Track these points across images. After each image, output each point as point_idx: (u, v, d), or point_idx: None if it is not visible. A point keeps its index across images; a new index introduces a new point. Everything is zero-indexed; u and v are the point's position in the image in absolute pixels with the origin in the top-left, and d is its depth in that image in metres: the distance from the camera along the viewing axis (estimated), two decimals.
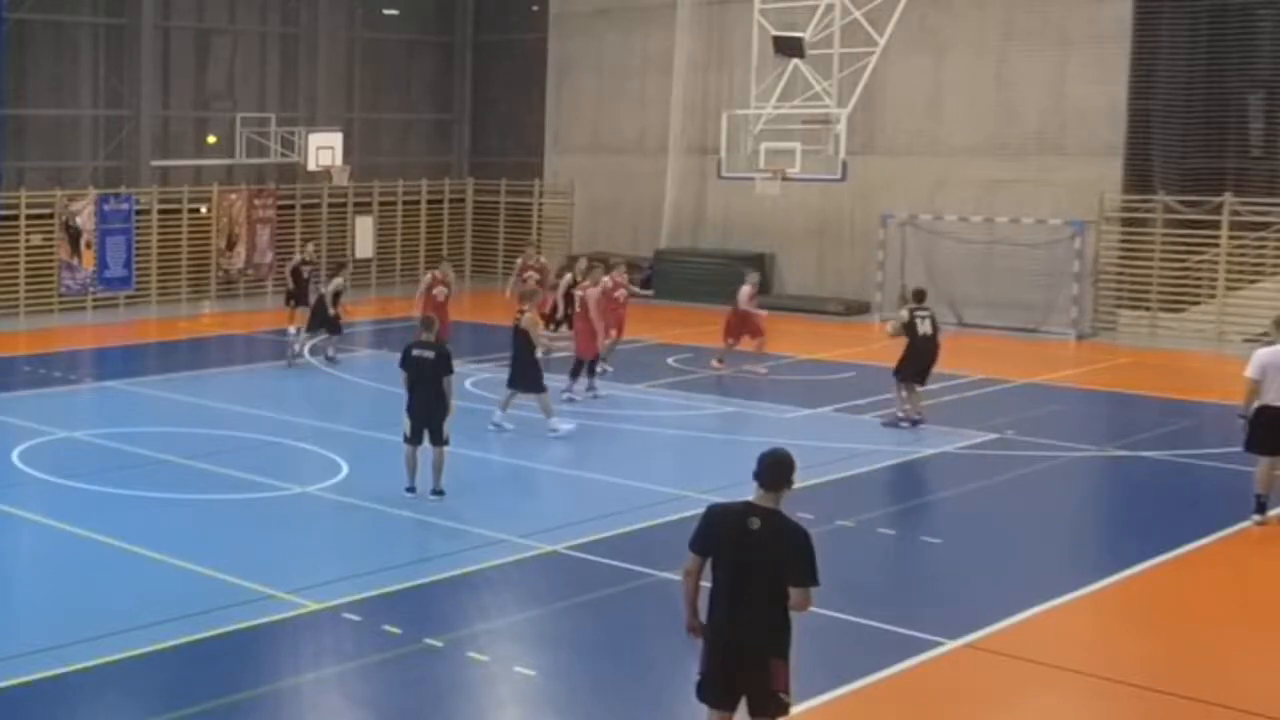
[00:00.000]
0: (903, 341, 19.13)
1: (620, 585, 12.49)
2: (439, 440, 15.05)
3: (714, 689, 7.91)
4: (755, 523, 7.74)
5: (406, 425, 15.15)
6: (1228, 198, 26.81)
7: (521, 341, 18.49)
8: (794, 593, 7.72)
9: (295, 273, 26.10)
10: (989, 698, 10.10)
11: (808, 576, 7.71)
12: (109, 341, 27.24)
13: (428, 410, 15.05)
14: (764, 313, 23.64)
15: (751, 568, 7.73)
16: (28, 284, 30.05)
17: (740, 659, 7.81)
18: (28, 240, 30.05)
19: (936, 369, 19.51)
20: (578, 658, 10.95)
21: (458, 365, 22.86)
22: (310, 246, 27.46)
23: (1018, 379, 22.84)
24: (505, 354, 24.17)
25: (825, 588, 12.44)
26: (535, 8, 37.35)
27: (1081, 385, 22.82)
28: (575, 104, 36.03)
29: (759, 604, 7.75)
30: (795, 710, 9.77)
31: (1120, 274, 28.49)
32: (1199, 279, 27.68)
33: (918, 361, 19.03)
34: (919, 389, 19.12)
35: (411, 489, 15.06)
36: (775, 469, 7.86)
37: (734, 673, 7.83)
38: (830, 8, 26.36)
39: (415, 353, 15.30)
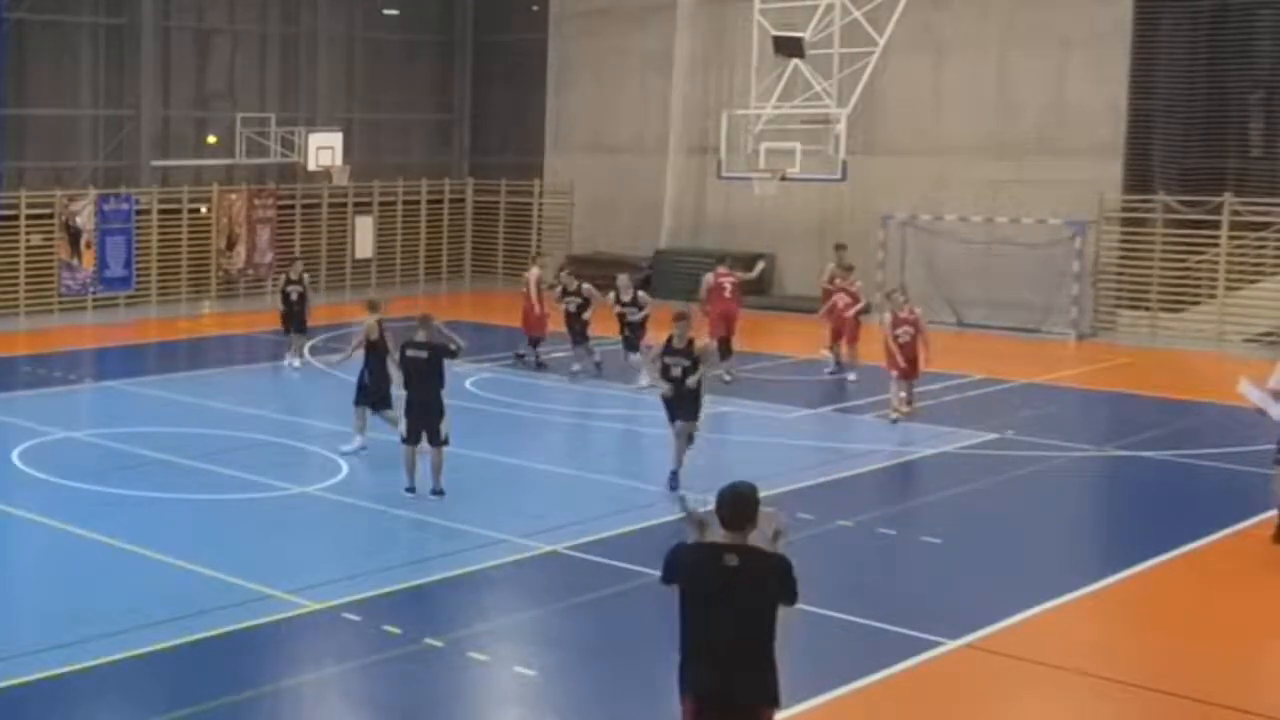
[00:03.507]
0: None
1: (620, 585, 12.48)
2: (437, 441, 15.03)
3: None
4: (733, 559, 7.16)
5: (403, 425, 15.13)
6: (1228, 198, 26.81)
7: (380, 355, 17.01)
8: (784, 611, 7.27)
9: (284, 295, 24.26)
10: (989, 698, 10.10)
11: (792, 597, 7.25)
12: (109, 341, 27.22)
13: (425, 410, 15.03)
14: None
15: (733, 605, 7.16)
16: (28, 284, 30.04)
17: (728, 705, 7.30)
18: (28, 240, 30.05)
19: (933, 368, 19.52)
20: (578, 658, 10.96)
21: (460, 366, 22.85)
22: (298, 265, 25.20)
23: (1018, 379, 22.83)
24: (505, 354, 24.32)
25: (826, 588, 12.47)
26: (535, 8, 37.33)
27: (1081, 385, 22.83)
28: (575, 104, 36.02)
29: (742, 643, 7.19)
30: (796, 710, 9.79)
31: (1120, 274, 28.48)
32: (1199, 279, 27.67)
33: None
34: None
35: (411, 489, 15.06)
36: (737, 507, 7.20)
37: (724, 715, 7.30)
38: (830, 8, 26.33)
39: (409, 353, 15.25)
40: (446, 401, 15.25)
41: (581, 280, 23.41)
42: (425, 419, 15.02)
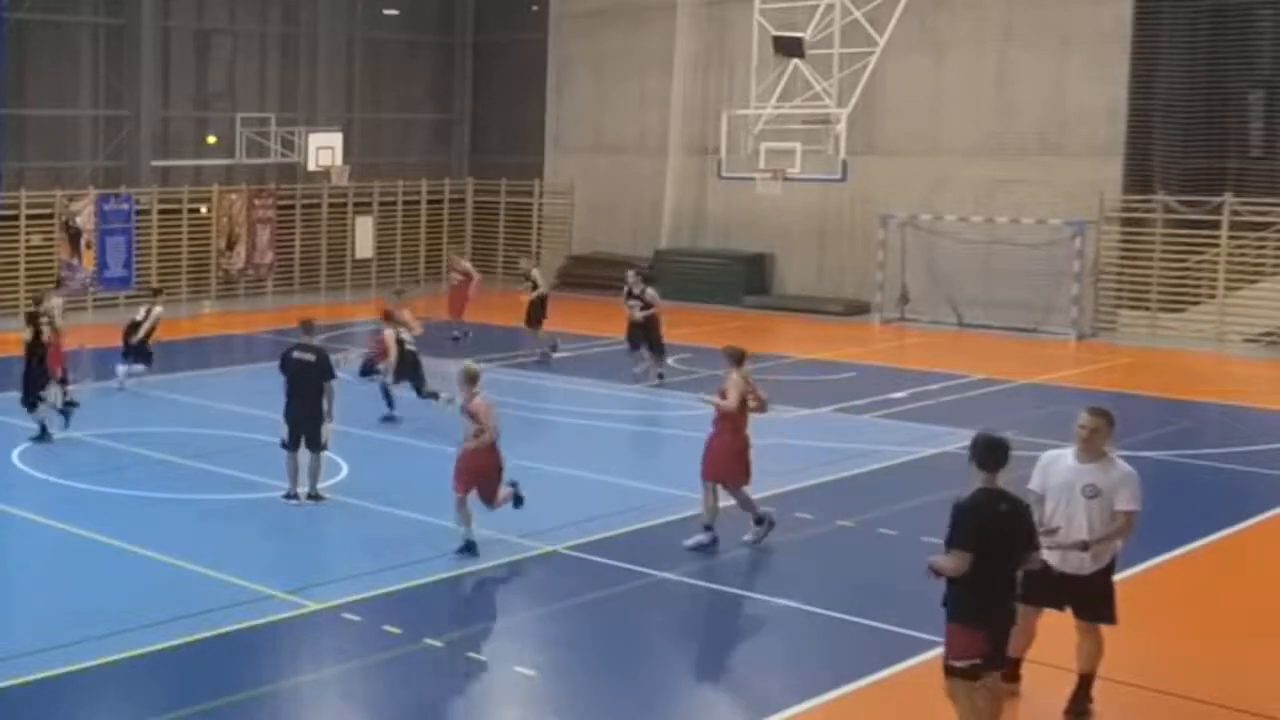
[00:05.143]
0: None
1: (620, 585, 12.49)
2: (316, 447, 14.94)
3: (989, 665, 8.66)
4: (1004, 506, 8.52)
5: (284, 431, 14.98)
6: (1228, 198, 26.81)
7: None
8: (1032, 555, 8.73)
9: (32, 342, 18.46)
10: None
11: (1036, 539, 8.80)
12: (109, 341, 27.18)
13: (306, 415, 14.88)
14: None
15: (1008, 547, 8.56)
16: (28, 284, 30.04)
17: (1009, 628, 8.77)
18: (28, 240, 30.06)
19: (933, 368, 19.46)
20: (578, 658, 10.96)
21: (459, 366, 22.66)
22: (53, 302, 20.43)
23: (1018, 379, 22.83)
24: (502, 354, 24.32)
25: (826, 588, 12.48)
26: (535, 8, 37.34)
27: (1081, 385, 22.80)
28: (575, 104, 36.03)
29: (1012, 576, 8.67)
30: (796, 710, 9.81)
31: (1120, 274, 28.48)
32: (1199, 279, 27.67)
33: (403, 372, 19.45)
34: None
35: (293, 495, 14.99)
36: (999, 452, 8.56)
37: (1005, 641, 8.79)
38: (830, 8, 26.34)
39: (296, 355, 15.14)
40: (332, 408, 15.04)
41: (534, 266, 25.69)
42: (306, 424, 14.87)
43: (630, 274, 23.10)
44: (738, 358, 13.88)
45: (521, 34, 37.65)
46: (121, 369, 21.75)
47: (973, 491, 8.55)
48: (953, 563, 8.47)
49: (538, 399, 21.04)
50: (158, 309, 22.20)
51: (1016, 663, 9.88)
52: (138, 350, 21.83)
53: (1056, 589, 9.63)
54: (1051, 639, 11.23)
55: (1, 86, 29.85)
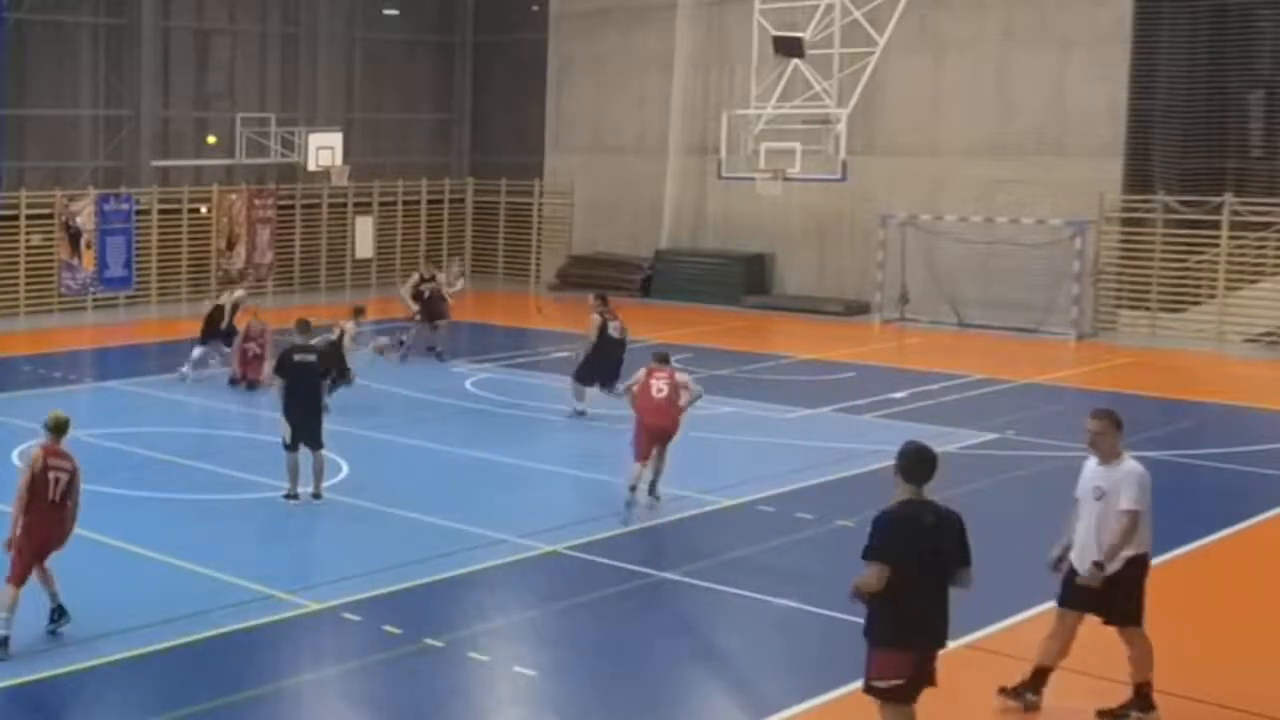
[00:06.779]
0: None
1: (620, 585, 12.49)
2: (319, 444, 14.98)
3: (916, 686, 8.26)
4: (931, 519, 8.13)
5: (287, 432, 14.91)
6: (1228, 198, 26.82)
7: None
8: (964, 572, 8.24)
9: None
10: (989, 697, 10.08)
11: (969, 555, 8.27)
12: (109, 341, 27.22)
13: (307, 416, 14.92)
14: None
15: (937, 563, 8.15)
16: (28, 284, 30.04)
17: (938, 648, 8.31)
18: (28, 240, 30.05)
19: (929, 369, 19.46)
20: (578, 658, 10.96)
21: (460, 366, 22.83)
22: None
23: (1018, 379, 22.83)
24: (505, 355, 24.33)
25: (826, 587, 12.48)
26: (535, 8, 37.35)
27: (1081, 385, 22.82)
28: (575, 104, 36.03)
29: (943, 592, 8.21)
30: (797, 710, 9.81)
31: (1120, 274, 28.49)
32: (1199, 279, 27.68)
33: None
34: None
35: (293, 495, 14.99)
36: (929, 464, 8.16)
37: (933, 660, 8.29)
38: (830, 8, 26.32)
39: (298, 358, 15.16)
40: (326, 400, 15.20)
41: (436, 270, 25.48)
42: (307, 424, 14.91)
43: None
44: (663, 358, 15.81)
45: (521, 34, 37.65)
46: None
47: (896, 503, 8.18)
48: (870, 576, 8.05)
49: (538, 399, 21.04)
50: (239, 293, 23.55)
51: (1046, 671, 9.84)
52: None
53: (1084, 594, 9.74)
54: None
55: (1, 86, 29.84)
